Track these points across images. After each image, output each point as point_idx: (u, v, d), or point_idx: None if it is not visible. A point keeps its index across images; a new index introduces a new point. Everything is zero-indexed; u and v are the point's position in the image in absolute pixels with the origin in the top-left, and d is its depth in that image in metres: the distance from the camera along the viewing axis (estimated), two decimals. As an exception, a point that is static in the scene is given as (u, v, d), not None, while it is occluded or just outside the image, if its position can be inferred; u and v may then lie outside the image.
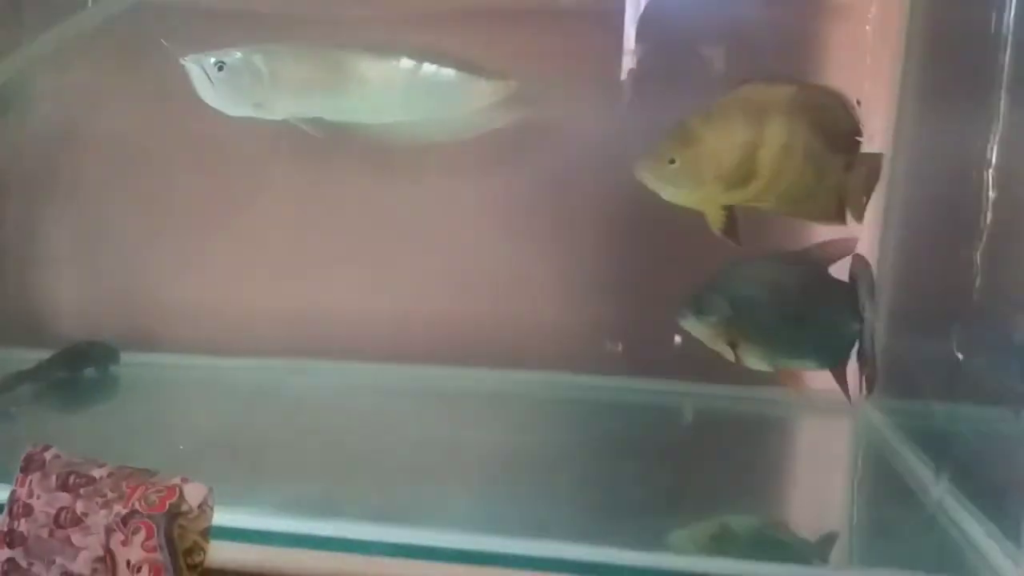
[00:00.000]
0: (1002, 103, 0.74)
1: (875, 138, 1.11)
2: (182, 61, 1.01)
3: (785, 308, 0.91)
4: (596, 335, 1.24)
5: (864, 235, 1.13)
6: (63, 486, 0.75)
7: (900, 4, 1.06)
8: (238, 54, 1.01)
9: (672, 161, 0.86)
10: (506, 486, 0.94)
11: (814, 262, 0.93)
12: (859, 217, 0.92)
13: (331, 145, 1.22)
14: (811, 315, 0.91)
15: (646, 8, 1.19)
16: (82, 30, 1.15)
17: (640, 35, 1.19)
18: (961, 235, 0.78)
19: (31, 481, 0.76)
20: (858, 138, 0.88)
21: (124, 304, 1.34)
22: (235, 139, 1.25)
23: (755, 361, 0.93)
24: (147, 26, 1.18)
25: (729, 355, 0.93)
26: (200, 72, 1.00)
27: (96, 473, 0.75)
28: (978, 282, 0.76)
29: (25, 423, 1.10)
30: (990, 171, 0.74)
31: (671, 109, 1.11)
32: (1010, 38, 0.75)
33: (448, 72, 1.06)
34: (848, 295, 0.91)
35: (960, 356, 0.79)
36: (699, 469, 1.01)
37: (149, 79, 1.24)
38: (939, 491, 0.86)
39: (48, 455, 0.77)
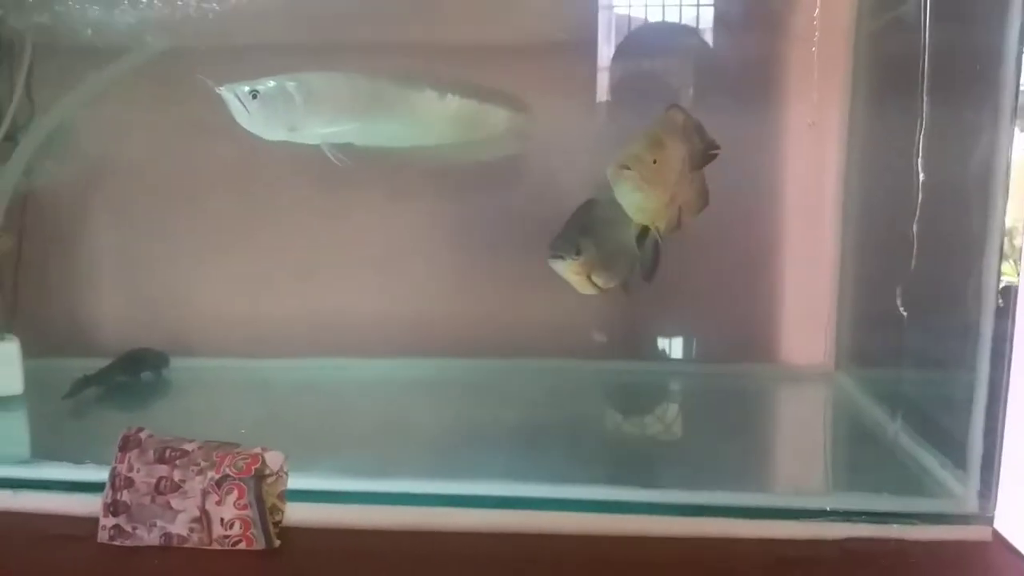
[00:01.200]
0: (924, 105, 0.91)
1: (830, 138, 1.29)
2: (218, 90, 1.07)
3: (620, 241, 1.07)
4: (587, 326, 1.36)
5: (828, 220, 1.32)
6: (160, 459, 0.87)
7: (844, 28, 1.22)
8: (271, 83, 1.07)
9: (654, 161, 0.98)
10: (529, 448, 1.07)
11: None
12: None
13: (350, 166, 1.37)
14: (628, 243, 1.08)
15: (619, 40, 1.34)
16: (125, 71, 1.27)
17: (613, 62, 1.33)
18: (902, 214, 0.94)
19: (130, 457, 0.89)
20: (713, 153, 1.05)
21: (161, 314, 1.46)
22: (260, 161, 1.38)
23: (596, 286, 1.09)
24: (180, 62, 1.31)
25: (582, 286, 1.08)
26: (235, 100, 1.07)
27: (187, 447, 0.88)
28: (915, 251, 0.92)
29: (97, 419, 1.22)
30: (919, 160, 0.90)
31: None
32: (926, 51, 0.92)
33: (469, 102, 1.15)
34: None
35: (904, 313, 0.94)
36: (694, 430, 1.16)
37: (180, 109, 1.37)
38: (894, 430, 1.02)
39: (143, 435, 0.90)
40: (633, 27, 1.33)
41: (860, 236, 1.28)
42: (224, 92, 1.07)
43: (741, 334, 1.35)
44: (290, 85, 1.08)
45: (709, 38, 1.30)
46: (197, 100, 1.31)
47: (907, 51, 0.98)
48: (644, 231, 1.05)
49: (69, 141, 1.37)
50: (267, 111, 1.07)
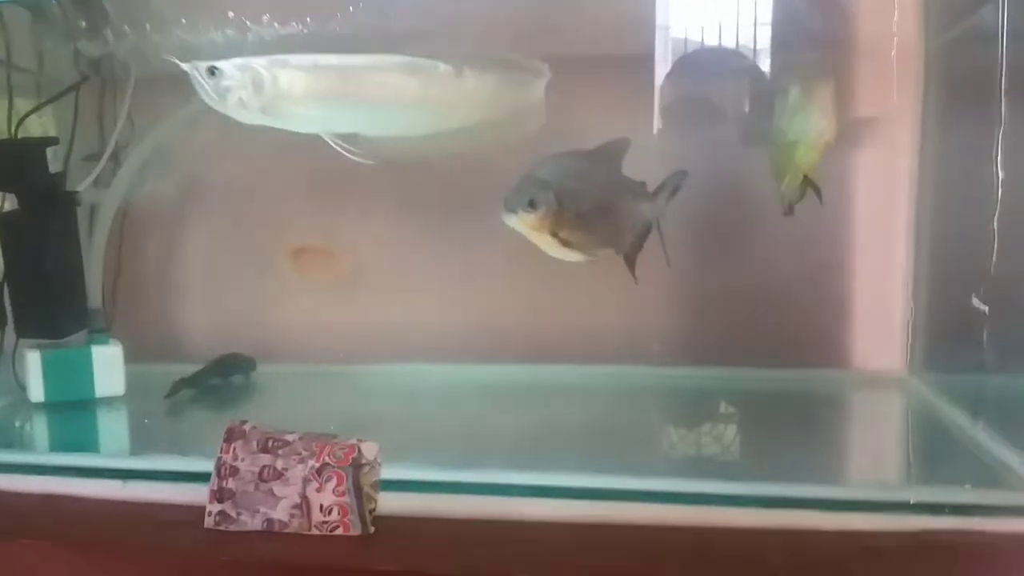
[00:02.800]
0: (1003, 107, 0.92)
1: (902, 142, 1.30)
2: (183, 66, 1.04)
3: (596, 198, 1.02)
4: (652, 333, 1.40)
5: (900, 226, 1.33)
6: (263, 448, 0.93)
7: (917, 38, 1.24)
8: (237, 60, 1.03)
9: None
10: (609, 445, 1.11)
11: (608, 158, 1.06)
12: None
13: (417, 177, 1.43)
14: (613, 205, 1.04)
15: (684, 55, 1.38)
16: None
17: (676, 75, 1.36)
18: (978, 215, 0.95)
19: (234, 448, 0.94)
20: None
21: (247, 322, 1.54)
22: (340, 176, 1.44)
23: (575, 249, 1.02)
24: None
25: (550, 246, 1.01)
26: (197, 77, 1.03)
27: (289, 437, 0.93)
28: (995, 249, 0.93)
29: (193, 418, 1.30)
30: (998, 157, 0.92)
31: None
32: (1004, 60, 0.93)
33: (489, 75, 1.03)
34: (638, 190, 1.06)
35: (981, 306, 0.95)
36: (772, 430, 1.17)
37: (260, 131, 1.45)
38: (974, 431, 1.02)
39: (247, 426, 0.95)
40: (712, 46, 1.36)
41: (934, 240, 1.28)
42: (188, 68, 1.04)
43: (813, 340, 1.36)
44: (256, 63, 1.03)
45: (789, 52, 1.32)
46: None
47: (980, 57, 0.99)
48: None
49: (166, 161, 1.46)
50: (226, 89, 1.03)
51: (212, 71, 1.02)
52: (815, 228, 1.33)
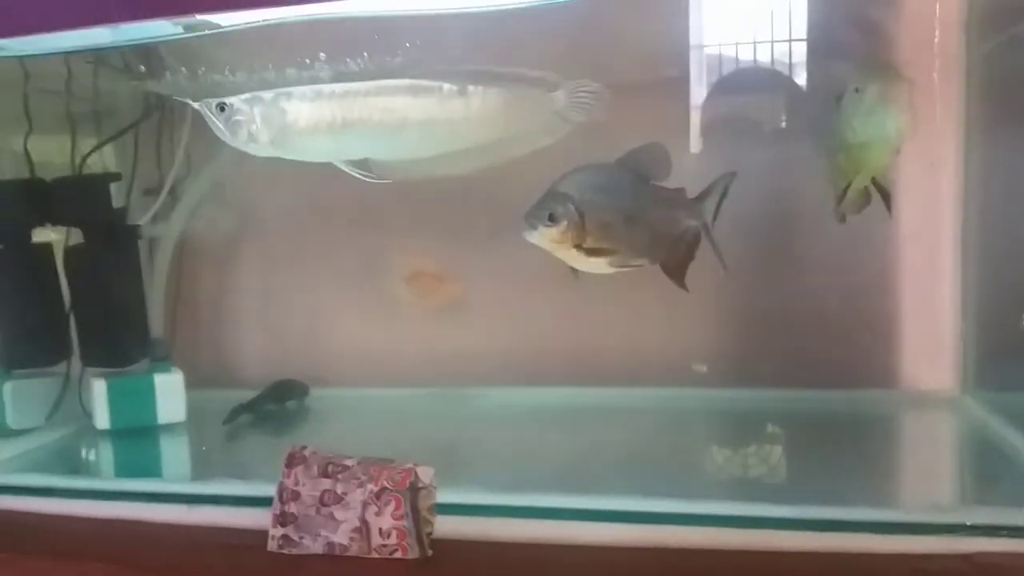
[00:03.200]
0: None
1: (947, 159, 1.30)
2: (194, 105, 1.07)
3: (622, 207, 1.00)
4: (697, 354, 1.40)
5: (947, 243, 1.32)
6: (324, 473, 0.96)
7: (955, 51, 1.24)
8: (246, 95, 1.05)
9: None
10: (659, 468, 1.12)
11: (636, 166, 1.05)
12: None
13: (462, 202, 1.46)
14: (644, 213, 1.02)
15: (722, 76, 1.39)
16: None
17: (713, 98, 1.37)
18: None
19: (296, 473, 0.97)
20: None
21: (299, 349, 1.59)
22: (388, 205, 1.49)
23: (599, 259, 1.00)
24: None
25: (576, 259, 1.00)
26: (207, 114, 1.06)
27: (348, 462, 0.96)
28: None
29: (251, 443, 1.34)
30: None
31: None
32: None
33: (495, 92, 1.02)
34: (674, 197, 1.05)
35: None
36: (824, 451, 1.17)
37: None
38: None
39: (307, 452, 0.98)
40: (751, 66, 1.37)
41: (983, 255, 1.27)
42: (198, 106, 1.07)
43: (862, 359, 1.36)
44: (263, 96, 1.06)
45: (825, 70, 1.33)
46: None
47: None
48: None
49: (221, 193, 1.52)
50: (236, 124, 1.05)
51: (222, 107, 1.05)
52: (862, 245, 1.33)
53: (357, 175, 1.08)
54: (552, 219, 0.97)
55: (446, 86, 1.04)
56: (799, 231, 1.35)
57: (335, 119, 1.05)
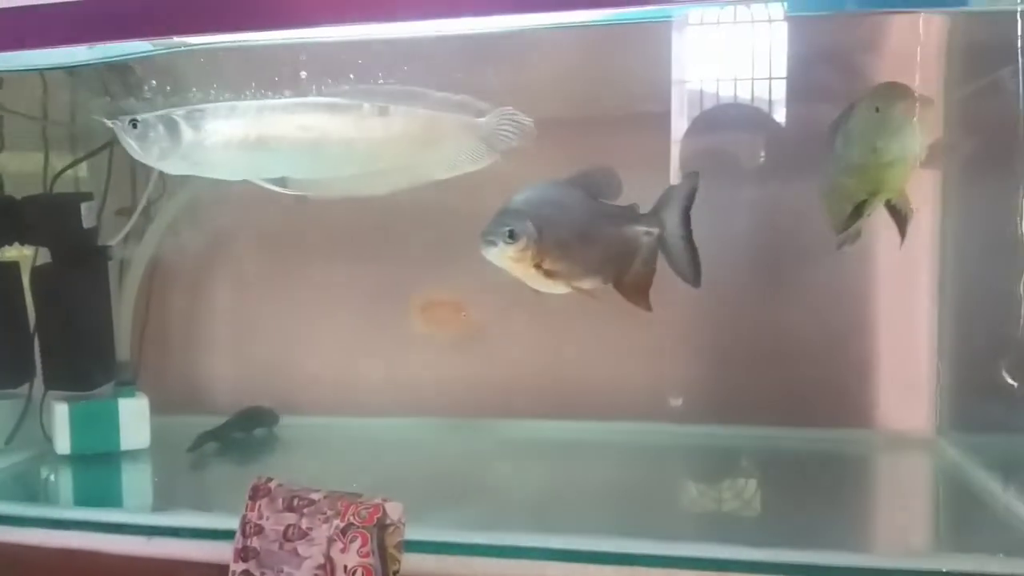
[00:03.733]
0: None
1: (924, 200, 1.31)
2: (107, 123, 1.06)
3: (576, 225, 0.98)
4: (674, 390, 1.39)
5: (924, 285, 1.32)
6: (288, 507, 0.93)
7: (939, 92, 1.25)
8: (159, 112, 1.04)
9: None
10: (631, 507, 1.10)
11: (587, 186, 1.03)
12: None
13: (440, 229, 1.45)
14: (598, 232, 1.00)
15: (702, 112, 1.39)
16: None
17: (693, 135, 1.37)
18: (1006, 272, 0.95)
19: (260, 506, 0.94)
20: None
21: (270, 375, 1.56)
22: (359, 232, 1.48)
23: (556, 281, 0.98)
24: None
25: (533, 279, 0.97)
26: (120, 131, 1.04)
27: (314, 496, 0.93)
28: (1023, 311, 0.92)
29: (216, 471, 1.30)
30: (1022, 219, 0.92)
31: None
32: None
33: (416, 114, 1.02)
34: (626, 215, 1.03)
35: (1011, 381, 0.94)
36: (799, 493, 1.16)
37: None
38: (1006, 496, 1.01)
39: (272, 484, 0.95)
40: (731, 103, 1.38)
41: (959, 299, 1.28)
42: (111, 124, 1.06)
43: (838, 399, 1.35)
44: (175, 113, 1.05)
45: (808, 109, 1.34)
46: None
47: (1000, 114, 1.00)
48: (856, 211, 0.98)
49: (193, 215, 1.49)
50: (148, 140, 1.04)
51: (134, 124, 1.04)
52: (839, 286, 1.33)
53: (276, 189, 1.07)
54: (512, 236, 0.94)
55: (366, 105, 1.03)
56: (777, 270, 1.35)
57: (249, 136, 1.04)
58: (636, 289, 1.05)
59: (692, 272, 1.07)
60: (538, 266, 0.96)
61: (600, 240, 1.01)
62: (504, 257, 0.95)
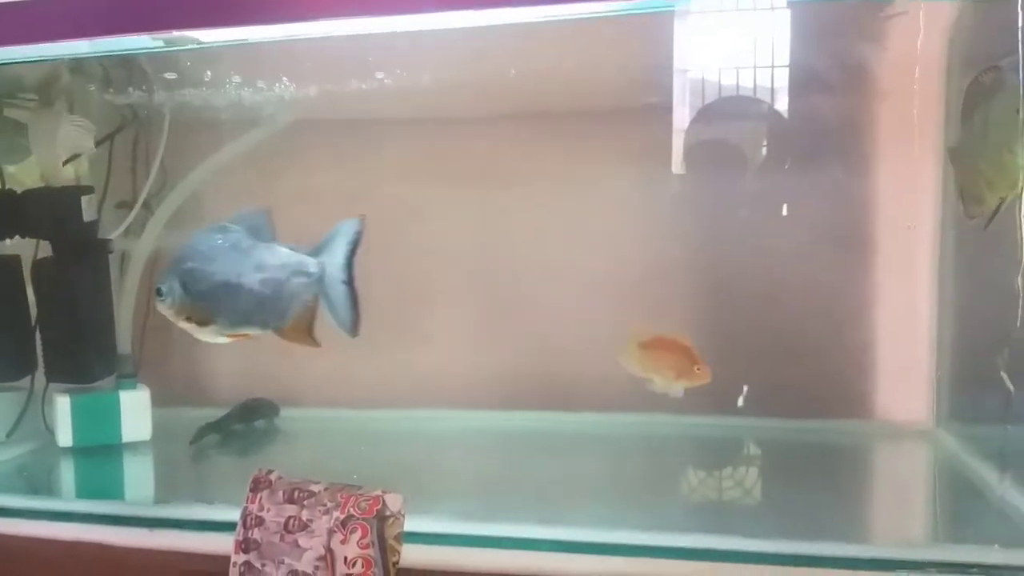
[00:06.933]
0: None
1: (924, 191, 1.31)
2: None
3: (229, 275, 0.98)
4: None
5: (923, 277, 1.32)
6: (289, 499, 0.94)
7: (936, 85, 1.25)
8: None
9: None
10: (629, 498, 1.10)
11: (247, 229, 1.02)
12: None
13: (437, 226, 1.47)
14: (250, 278, 0.99)
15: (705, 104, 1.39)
16: (252, 144, 1.39)
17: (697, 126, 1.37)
18: (1003, 269, 0.95)
19: (260, 498, 0.95)
20: None
21: (271, 367, 1.56)
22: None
23: (211, 332, 0.99)
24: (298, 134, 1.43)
25: (193, 330, 0.98)
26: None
27: (314, 488, 0.94)
28: (1020, 309, 0.92)
29: (217, 463, 1.31)
30: (1021, 213, 0.92)
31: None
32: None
33: None
34: (282, 257, 1.01)
35: (1009, 384, 0.95)
36: (795, 487, 1.16)
37: (294, 176, 1.49)
38: (1002, 487, 1.01)
39: (273, 476, 0.96)
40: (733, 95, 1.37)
41: (958, 291, 1.28)
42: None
43: (838, 390, 1.35)
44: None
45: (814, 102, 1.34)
46: (308, 169, 1.44)
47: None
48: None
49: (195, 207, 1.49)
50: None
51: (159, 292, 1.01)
52: (838, 277, 1.34)
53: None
54: (160, 294, 0.97)
55: None
56: (778, 261, 1.35)
57: None
58: (297, 332, 1.06)
59: (350, 321, 1.06)
60: (189, 319, 0.98)
61: (253, 285, 1.01)
62: (166, 312, 0.98)
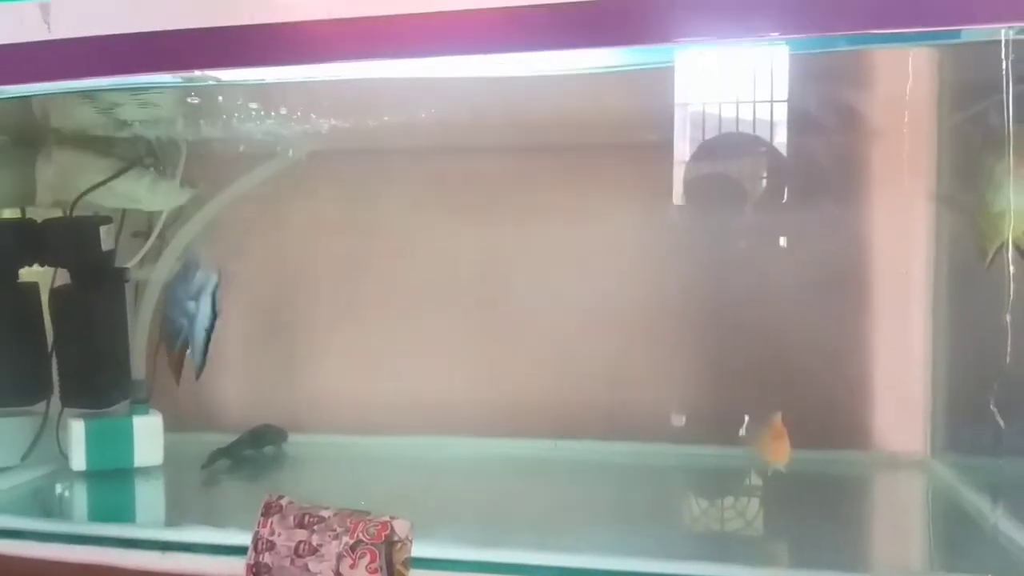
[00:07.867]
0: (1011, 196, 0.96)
1: (918, 226, 1.34)
2: None
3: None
4: (674, 411, 1.41)
5: (918, 311, 1.35)
6: (300, 524, 0.96)
7: (927, 122, 1.29)
8: None
9: None
10: (629, 525, 1.13)
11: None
12: None
13: (442, 255, 1.50)
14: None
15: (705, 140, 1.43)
16: (269, 174, 1.43)
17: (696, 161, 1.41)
18: (994, 303, 0.98)
19: (271, 522, 0.97)
20: None
21: (279, 394, 1.59)
22: (368, 256, 1.52)
23: None
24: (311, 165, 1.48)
25: None
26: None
27: (324, 513, 0.96)
28: (1009, 345, 0.95)
29: (227, 488, 1.34)
30: (1010, 252, 0.95)
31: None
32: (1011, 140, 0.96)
33: None
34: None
35: (995, 410, 0.97)
36: (793, 517, 1.19)
37: (302, 207, 1.53)
38: (995, 516, 1.03)
39: (283, 502, 0.99)
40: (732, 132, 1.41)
41: (952, 323, 1.31)
42: None
43: (834, 420, 1.38)
44: None
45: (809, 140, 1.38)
46: (318, 199, 1.48)
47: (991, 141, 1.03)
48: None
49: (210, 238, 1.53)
50: None
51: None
52: (835, 309, 1.37)
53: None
54: None
55: None
56: (777, 295, 1.38)
57: None
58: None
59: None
60: None
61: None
62: None
